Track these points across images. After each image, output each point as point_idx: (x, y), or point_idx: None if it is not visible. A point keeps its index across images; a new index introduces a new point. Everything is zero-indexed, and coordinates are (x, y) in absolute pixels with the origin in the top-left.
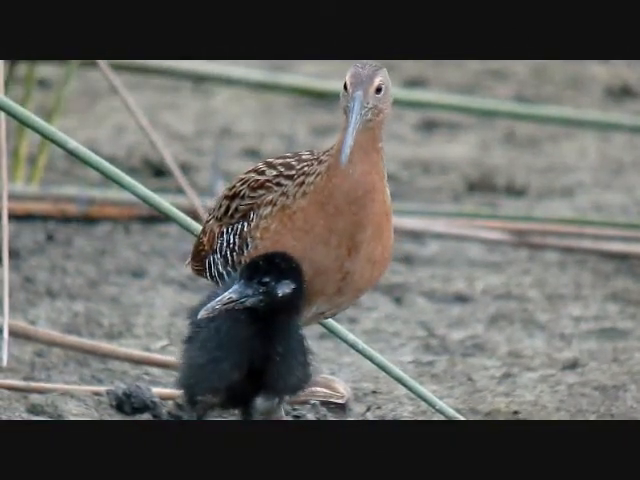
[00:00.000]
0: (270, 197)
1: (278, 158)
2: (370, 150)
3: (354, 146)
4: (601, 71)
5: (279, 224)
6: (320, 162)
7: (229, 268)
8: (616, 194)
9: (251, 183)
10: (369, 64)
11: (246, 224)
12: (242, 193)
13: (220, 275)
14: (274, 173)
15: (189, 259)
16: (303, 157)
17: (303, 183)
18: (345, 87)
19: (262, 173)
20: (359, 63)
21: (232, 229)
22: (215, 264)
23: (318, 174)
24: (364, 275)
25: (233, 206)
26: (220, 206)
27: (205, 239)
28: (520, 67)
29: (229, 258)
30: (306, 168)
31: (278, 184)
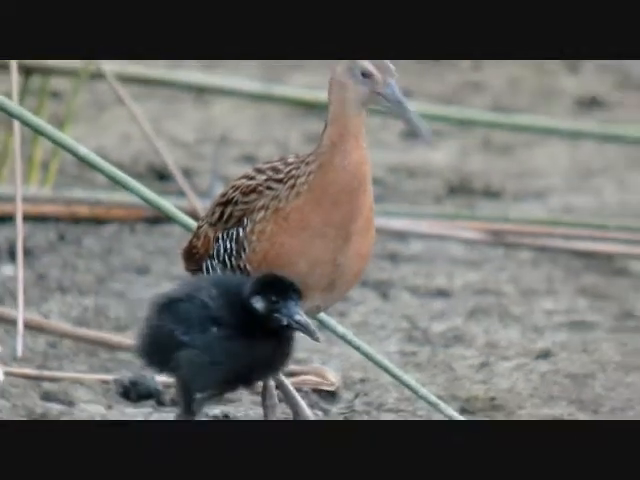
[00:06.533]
0: (262, 202)
1: (265, 163)
2: (360, 137)
3: (348, 134)
4: (571, 83)
5: (274, 225)
6: (307, 164)
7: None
8: (585, 197)
9: (243, 189)
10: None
11: (241, 230)
12: (235, 199)
13: None
14: (264, 177)
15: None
16: (289, 160)
17: (295, 185)
18: (364, 74)
19: (252, 179)
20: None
21: (227, 235)
22: (214, 269)
23: (310, 174)
24: (353, 268)
25: (227, 212)
26: (213, 212)
27: (199, 243)
28: (496, 79)
29: (227, 263)
30: (294, 171)
31: (269, 187)
